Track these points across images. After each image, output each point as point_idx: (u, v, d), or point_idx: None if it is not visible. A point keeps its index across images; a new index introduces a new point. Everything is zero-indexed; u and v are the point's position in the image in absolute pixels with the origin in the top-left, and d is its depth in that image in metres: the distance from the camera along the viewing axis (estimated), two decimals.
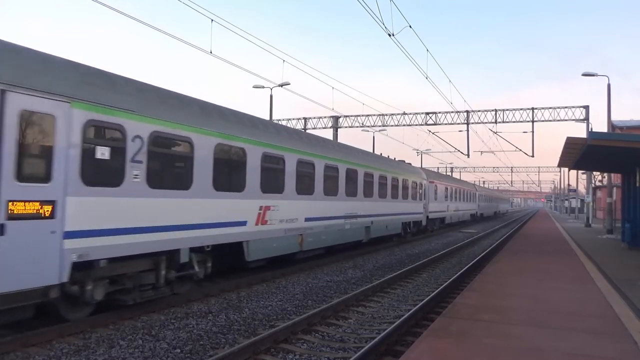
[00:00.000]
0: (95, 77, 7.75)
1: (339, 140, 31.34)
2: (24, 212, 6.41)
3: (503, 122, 33.38)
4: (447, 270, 14.80)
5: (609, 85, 26.20)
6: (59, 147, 6.84)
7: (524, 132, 33.93)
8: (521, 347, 5.61)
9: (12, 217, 6.22)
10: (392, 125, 36.11)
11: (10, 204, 6.20)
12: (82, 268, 7.25)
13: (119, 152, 7.84)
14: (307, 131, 30.48)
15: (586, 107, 31.59)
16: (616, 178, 29.28)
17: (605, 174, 31.28)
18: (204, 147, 9.68)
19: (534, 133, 32.91)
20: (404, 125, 35.69)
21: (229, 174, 10.50)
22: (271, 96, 28.32)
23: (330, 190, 15.14)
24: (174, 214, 8.88)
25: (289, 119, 37.05)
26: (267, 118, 25.16)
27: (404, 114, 35.58)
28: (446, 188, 33.18)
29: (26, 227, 6.41)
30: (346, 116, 36.69)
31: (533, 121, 32.61)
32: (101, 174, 7.55)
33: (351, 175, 16.66)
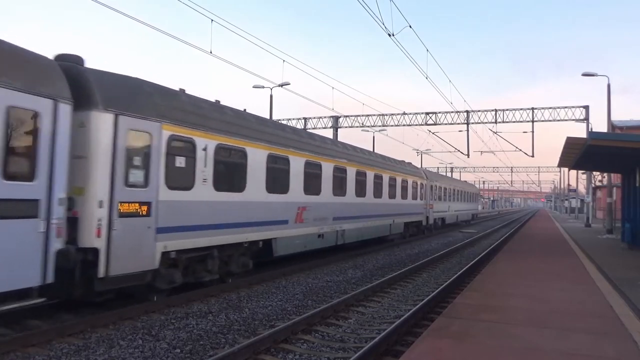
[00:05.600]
0: None
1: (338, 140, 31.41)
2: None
3: (503, 122, 33.37)
4: (447, 270, 14.80)
5: (608, 85, 26.22)
6: None
7: (524, 132, 33.94)
8: (521, 347, 5.61)
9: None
10: (392, 125, 36.10)
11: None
12: None
13: None
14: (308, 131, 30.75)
15: (586, 107, 31.57)
16: (616, 178, 29.28)
17: (605, 174, 31.30)
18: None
19: (534, 133, 32.96)
20: (404, 125, 35.67)
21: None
22: (271, 96, 28.35)
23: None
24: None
25: (289, 119, 37.07)
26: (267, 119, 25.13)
27: (404, 114, 35.58)
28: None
29: None
30: (346, 116, 36.69)
31: (533, 121, 32.60)
32: None
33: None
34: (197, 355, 6.65)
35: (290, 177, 13.18)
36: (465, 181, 57.50)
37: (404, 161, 25.34)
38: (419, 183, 25.76)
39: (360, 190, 17.83)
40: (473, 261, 15.67)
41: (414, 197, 24.81)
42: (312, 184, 14.31)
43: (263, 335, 6.94)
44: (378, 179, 19.53)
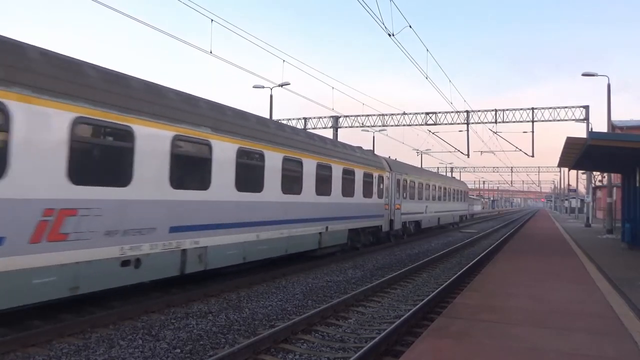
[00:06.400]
0: None
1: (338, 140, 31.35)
2: None
3: (503, 122, 33.41)
4: (447, 270, 14.80)
5: (609, 85, 26.22)
6: None
7: (524, 132, 33.98)
8: (521, 347, 5.61)
9: None
10: (392, 125, 36.14)
11: None
12: None
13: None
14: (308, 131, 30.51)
15: (586, 107, 31.60)
16: (616, 178, 29.29)
17: (605, 174, 31.30)
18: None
19: (534, 133, 32.98)
20: (404, 125, 35.71)
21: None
22: (271, 96, 28.36)
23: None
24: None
25: (289, 119, 37.08)
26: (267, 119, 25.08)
27: (404, 114, 35.60)
28: None
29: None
30: (346, 116, 36.72)
31: (533, 121, 32.63)
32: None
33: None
34: (197, 355, 6.65)
35: (12, 148, 6.37)
36: (453, 177, 54.57)
37: (352, 146, 18.90)
38: (376, 176, 19.23)
39: (249, 182, 11.15)
40: (473, 261, 15.67)
41: (368, 194, 18.32)
42: (100, 165, 7.83)
43: (263, 335, 6.94)
44: (295, 165, 13.09)
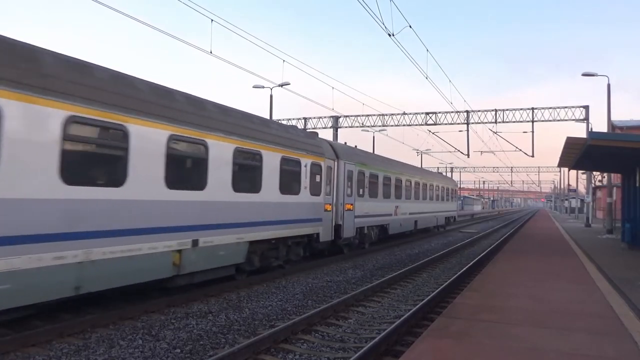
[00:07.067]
0: None
1: (338, 140, 31.36)
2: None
3: (503, 122, 33.44)
4: (447, 270, 14.80)
5: (609, 85, 26.23)
6: None
7: (524, 132, 34.01)
8: (521, 347, 5.61)
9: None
10: (392, 125, 36.17)
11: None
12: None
13: None
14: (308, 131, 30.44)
15: (586, 107, 31.63)
16: (616, 178, 29.30)
17: (605, 174, 31.30)
18: None
19: (534, 133, 33.01)
20: (403, 125, 35.73)
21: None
22: (271, 96, 28.38)
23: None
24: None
25: (289, 119, 37.08)
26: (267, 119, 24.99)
27: (404, 114, 35.62)
28: None
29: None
30: (346, 116, 36.73)
31: (533, 121, 32.66)
32: None
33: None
34: (197, 355, 6.65)
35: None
36: (438, 172, 49.07)
37: (265, 119, 13.52)
38: (308, 163, 13.61)
39: None
40: (473, 261, 15.67)
41: (292, 190, 12.84)
42: None
43: (263, 335, 6.94)
44: (108, 136, 7.68)
